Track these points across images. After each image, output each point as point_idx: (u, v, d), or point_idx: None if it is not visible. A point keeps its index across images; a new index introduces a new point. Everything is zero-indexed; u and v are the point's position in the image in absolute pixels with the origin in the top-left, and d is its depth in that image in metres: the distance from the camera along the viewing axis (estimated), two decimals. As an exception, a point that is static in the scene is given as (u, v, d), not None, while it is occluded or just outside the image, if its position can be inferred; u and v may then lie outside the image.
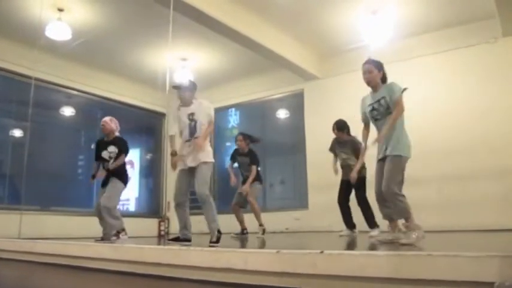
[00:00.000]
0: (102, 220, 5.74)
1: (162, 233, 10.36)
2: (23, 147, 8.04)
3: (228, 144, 11.34)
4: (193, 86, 4.81)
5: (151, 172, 11.37)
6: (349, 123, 7.00)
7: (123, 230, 5.71)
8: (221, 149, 11.11)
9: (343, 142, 6.46)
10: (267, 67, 9.14)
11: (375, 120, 4.00)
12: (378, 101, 3.92)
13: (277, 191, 10.32)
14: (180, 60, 9.02)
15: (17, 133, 9.06)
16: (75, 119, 10.18)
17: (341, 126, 6.47)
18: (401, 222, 3.81)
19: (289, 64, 8.54)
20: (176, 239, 4.52)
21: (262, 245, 3.90)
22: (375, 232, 5.68)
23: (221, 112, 11.17)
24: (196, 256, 2.68)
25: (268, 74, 9.64)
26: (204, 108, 4.59)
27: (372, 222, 5.99)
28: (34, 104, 7.64)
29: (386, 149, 3.81)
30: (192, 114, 4.55)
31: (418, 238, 3.52)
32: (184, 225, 4.57)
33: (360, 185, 6.15)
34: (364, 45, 8.25)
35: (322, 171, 8.80)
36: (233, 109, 11.04)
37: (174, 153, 4.50)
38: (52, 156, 9.51)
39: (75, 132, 10.56)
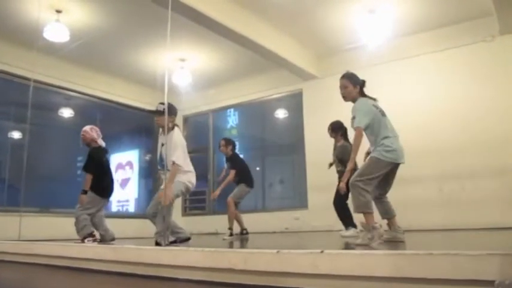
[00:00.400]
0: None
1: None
2: (22, 149, 8.02)
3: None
4: (170, 111, 4.67)
5: (151, 173, 11.36)
6: (347, 123, 7.00)
7: (90, 235, 5.61)
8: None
9: (334, 146, 6.46)
10: (265, 67, 9.13)
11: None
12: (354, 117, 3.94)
13: (277, 190, 10.33)
14: (178, 61, 9.01)
15: (16, 135, 9.06)
16: (74, 120, 10.16)
17: (335, 128, 6.43)
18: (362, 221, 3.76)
19: (288, 64, 8.54)
20: (174, 242, 4.56)
21: (262, 245, 3.89)
22: (347, 232, 5.78)
23: (220, 112, 11.19)
24: (196, 256, 2.68)
25: (266, 74, 9.64)
26: (171, 141, 4.55)
27: (347, 223, 6.01)
28: (33, 106, 7.63)
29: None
30: (162, 145, 4.58)
31: (374, 239, 3.50)
32: (172, 229, 4.59)
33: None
34: (362, 44, 8.26)
35: (322, 170, 8.77)
36: (232, 109, 11.05)
37: None
38: (51, 158, 9.51)
39: (74, 133, 10.54)
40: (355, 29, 7.78)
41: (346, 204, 5.98)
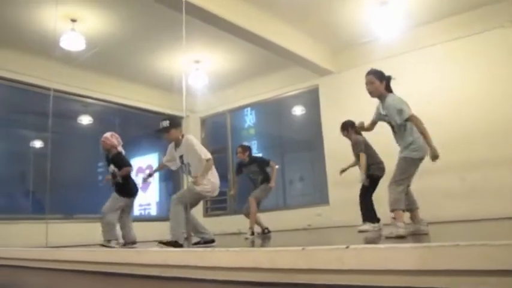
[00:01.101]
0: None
1: (185, 235, 10.42)
2: (44, 157, 8.16)
3: (245, 144, 11.37)
4: (172, 124, 4.78)
5: (171, 176, 11.44)
6: (364, 117, 6.94)
7: (114, 239, 5.78)
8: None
9: (352, 144, 6.45)
10: (280, 65, 9.13)
11: (392, 130, 4.06)
12: (386, 115, 4.01)
13: (297, 187, 10.31)
14: (193, 63, 9.06)
15: (38, 144, 9.21)
16: (93, 127, 10.30)
17: (346, 126, 6.47)
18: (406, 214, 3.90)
19: (303, 60, 8.52)
20: (198, 243, 4.69)
21: (286, 242, 3.90)
22: (366, 226, 5.81)
23: (237, 112, 11.21)
24: (221, 257, 2.69)
25: (282, 71, 9.63)
26: (192, 148, 4.64)
27: (367, 217, 6.02)
28: (53, 115, 7.76)
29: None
30: (182, 156, 4.70)
31: (399, 233, 3.60)
32: (196, 229, 4.73)
33: (370, 183, 6.08)
34: (376, 37, 8.20)
35: (342, 165, 8.74)
36: (249, 108, 11.06)
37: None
38: (72, 165, 9.65)
39: (93, 140, 10.68)
40: (368, 22, 7.73)
41: (371, 199, 6.02)
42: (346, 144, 8.68)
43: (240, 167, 7.19)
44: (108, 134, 6.11)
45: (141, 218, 10.84)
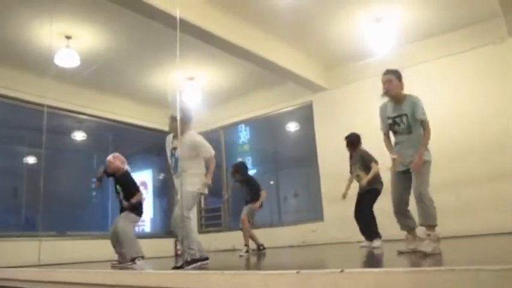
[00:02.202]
0: (116, 247, 5.82)
1: (179, 252, 10.35)
2: (37, 173, 8.12)
3: (239, 160, 11.35)
4: (183, 117, 4.75)
5: (165, 192, 11.40)
6: (360, 132, 6.99)
7: (140, 256, 5.68)
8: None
9: (355, 157, 6.48)
10: (274, 81, 9.17)
11: (394, 133, 3.98)
12: (400, 116, 3.88)
13: (292, 204, 10.29)
14: (187, 80, 9.08)
15: (31, 160, 9.17)
16: (87, 143, 10.28)
17: (354, 141, 6.50)
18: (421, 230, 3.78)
19: (296, 77, 8.57)
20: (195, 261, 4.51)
21: (281, 262, 3.88)
22: (378, 243, 5.80)
23: (231, 128, 11.22)
24: (216, 279, 2.68)
25: (275, 87, 9.66)
26: (186, 142, 4.58)
27: (372, 234, 6.00)
28: (47, 131, 7.73)
29: (410, 161, 3.81)
30: (175, 148, 4.63)
31: (436, 248, 3.51)
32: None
33: (372, 197, 6.12)
34: (369, 53, 8.26)
35: (336, 182, 8.75)
36: (243, 125, 11.08)
37: None
38: (65, 181, 9.60)
39: (87, 156, 10.66)
40: (362, 38, 7.78)
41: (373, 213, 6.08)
42: (340, 160, 8.69)
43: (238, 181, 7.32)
44: (110, 157, 6.10)
45: (136, 235, 10.74)
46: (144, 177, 11.47)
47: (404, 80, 8.10)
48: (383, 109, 4.08)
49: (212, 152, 4.65)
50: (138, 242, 5.83)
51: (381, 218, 5.98)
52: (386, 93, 3.93)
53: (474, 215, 7.00)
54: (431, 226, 3.59)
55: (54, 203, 8.96)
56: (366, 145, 7.71)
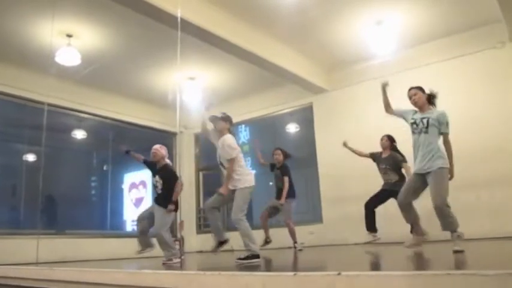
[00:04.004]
0: (141, 235, 5.94)
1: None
2: (36, 171, 8.13)
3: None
4: (221, 118, 4.90)
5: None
6: (359, 134, 7.00)
7: (175, 255, 5.76)
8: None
9: (380, 158, 6.73)
10: (275, 82, 9.17)
11: (412, 133, 4.38)
12: (421, 118, 4.35)
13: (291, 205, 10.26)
14: (188, 80, 9.08)
15: (31, 158, 9.16)
16: (87, 141, 10.28)
17: (392, 139, 6.74)
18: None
19: (297, 78, 8.57)
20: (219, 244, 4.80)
21: (280, 265, 3.88)
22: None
23: (231, 129, 11.20)
24: (213, 280, 2.67)
25: (276, 89, 9.67)
26: (224, 146, 4.70)
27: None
28: (47, 129, 7.73)
29: (427, 163, 4.16)
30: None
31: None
32: (217, 229, 4.81)
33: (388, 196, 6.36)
34: (370, 56, 8.27)
35: (335, 183, 8.78)
36: (243, 125, 11.07)
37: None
38: (65, 179, 9.61)
39: (87, 154, 10.67)
40: (363, 41, 7.80)
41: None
42: (339, 162, 8.72)
43: (272, 167, 7.34)
44: (157, 146, 6.23)
45: (134, 234, 10.73)
46: (143, 177, 11.46)
47: (405, 83, 8.15)
48: (411, 111, 4.55)
49: (232, 155, 4.66)
50: (174, 244, 5.92)
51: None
52: (415, 104, 4.48)
53: (473, 219, 6.98)
54: (454, 230, 3.97)
55: (53, 201, 8.98)
56: (366, 147, 7.72)
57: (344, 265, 3.73)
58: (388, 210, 6.66)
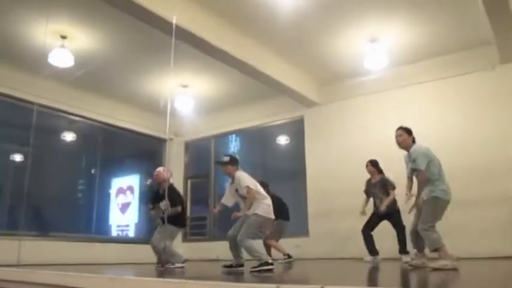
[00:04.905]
0: (156, 251, 6.24)
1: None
2: (24, 171, 8.04)
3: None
4: (232, 161, 5.04)
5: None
6: (349, 149, 7.00)
7: (183, 262, 6.15)
8: (221, 175, 11.10)
9: (371, 183, 6.98)
10: (267, 94, 9.18)
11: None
12: (408, 163, 4.78)
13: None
14: (180, 87, 9.07)
15: (18, 158, 9.07)
16: (76, 144, 10.20)
17: (375, 164, 7.01)
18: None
19: (289, 90, 8.59)
20: (230, 266, 4.88)
21: (264, 277, 3.85)
22: (407, 258, 6.08)
23: (221, 138, 11.21)
24: (195, 289, 2.65)
25: (268, 100, 9.68)
26: (239, 182, 4.88)
27: (404, 248, 6.41)
28: (35, 129, 7.66)
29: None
30: (237, 190, 4.93)
31: (447, 265, 4.11)
32: (238, 254, 4.89)
33: (397, 215, 6.56)
34: (363, 72, 8.33)
35: (323, 198, 8.78)
36: (233, 135, 11.07)
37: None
38: (52, 181, 9.51)
39: (75, 156, 10.58)
40: (356, 57, 7.85)
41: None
42: (328, 176, 8.76)
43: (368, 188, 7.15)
44: (161, 169, 6.54)
45: (119, 240, 10.66)
46: (131, 182, 11.40)
47: (395, 100, 8.28)
48: (405, 157, 4.92)
49: (247, 181, 4.86)
50: (178, 252, 6.37)
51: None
52: (399, 145, 4.84)
53: (461, 238, 7.00)
54: (437, 249, 4.29)
55: (38, 202, 8.86)
56: (355, 162, 7.76)
57: (328, 279, 3.71)
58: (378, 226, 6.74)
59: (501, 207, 6.92)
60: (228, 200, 5.09)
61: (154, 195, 6.54)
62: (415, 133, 4.92)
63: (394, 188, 6.58)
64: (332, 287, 2.18)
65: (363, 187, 7.07)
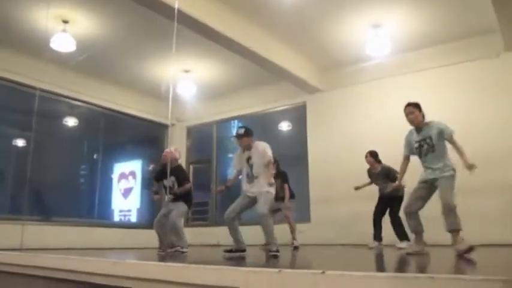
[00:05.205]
0: (159, 234, 6.20)
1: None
2: (26, 156, 8.07)
3: (230, 155, 11.34)
4: (248, 133, 4.95)
5: (152, 183, 11.36)
6: (351, 136, 6.98)
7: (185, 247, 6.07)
8: (223, 161, 11.13)
9: (373, 173, 6.99)
10: (269, 80, 9.15)
11: (419, 155, 4.51)
12: (424, 139, 4.47)
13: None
14: (183, 72, 9.05)
15: (20, 143, 9.09)
16: (78, 129, 10.21)
17: (374, 155, 6.99)
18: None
19: (292, 77, 8.56)
20: (230, 251, 4.82)
21: (266, 262, 3.88)
22: (403, 244, 6.15)
23: (224, 124, 11.21)
24: (197, 274, 2.67)
25: (270, 86, 9.65)
26: (259, 151, 4.82)
27: (402, 235, 6.42)
28: (37, 114, 7.65)
29: (435, 173, 4.36)
30: (250, 158, 4.85)
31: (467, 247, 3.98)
32: (237, 238, 4.86)
33: (397, 202, 6.53)
34: (365, 59, 8.29)
35: (325, 184, 8.80)
36: (236, 121, 11.06)
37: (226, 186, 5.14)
38: (54, 166, 9.53)
39: (77, 142, 10.60)
40: (359, 43, 7.81)
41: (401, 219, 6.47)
42: (330, 162, 8.77)
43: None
44: (172, 148, 6.59)
45: (121, 225, 10.72)
46: (133, 167, 11.43)
47: (399, 87, 8.22)
48: (410, 135, 4.67)
49: (271, 156, 4.81)
50: (185, 235, 6.24)
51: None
52: (411, 123, 4.58)
53: (473, 225, 7.01)
54: (456, 231, 4.09)
55: (41, 187, 8.90)
56: (356, 148, 7.75)
57: (329, 264, 3.75)
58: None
59: (502, 196, 6.93)
60: (236, 166, 5.08)
61: (159, 173, 6.50)
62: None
63: (397, 173, 6.54)
64: (333, 272, 2.20)
65: (365, 174, 7.09)
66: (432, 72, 8.00)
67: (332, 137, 8.93)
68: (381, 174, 6.85)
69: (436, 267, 3.43)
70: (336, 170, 8.54)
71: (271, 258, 4.31)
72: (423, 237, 4.47)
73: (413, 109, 4.59)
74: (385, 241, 6.75)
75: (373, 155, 6.96)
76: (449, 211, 4.07)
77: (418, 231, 4.43)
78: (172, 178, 6.18)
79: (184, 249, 5.92)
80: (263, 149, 4.80)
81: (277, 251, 4.49)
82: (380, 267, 3.58)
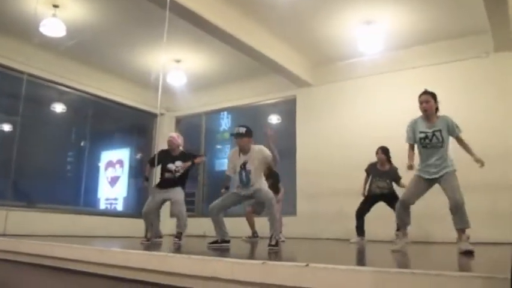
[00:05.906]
0: (148, 223, 6.23)
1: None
2: (12, 141, 8.00)
3: (218, 147, 11.34)
4: (249, 133, 4.92)
5: (141, 172, 11.32)
6: (339, 132, 6.96)
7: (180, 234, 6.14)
8: (211, 152, 11.12)
9: (380, 172, 6.77)
10: (260, 72, 9.14)
11: (423, 147, 4.34)
12: (433, 132, 4.30)
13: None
14: (174, 62, 9.00)
15: (6, 128, 8.98)
16: (66, 115, 10.12)
17: (387, 152, 6.74)
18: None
19: (283, 70, 8.56)
20: (216, 242, 4.85)
21: (250, 254, 3.91)
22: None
23: (213, 115, 11.19)
24: (182, 263, 2.68)
25: (261, 78, 9.64)
26: (258, 157, 4.79)
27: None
28: (25, 99, 7.59)
29: (439, 170, 4.28)
30: (245, 163, 4.79)
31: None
32: (222, 229, 4.90)
33: (394, 200, 6.40)
34: (357, 55, 8.32)
35: (312, 178, 8.84)
36: (225, 112, 11.05)
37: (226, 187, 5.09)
38: (41, 152, 9.46)
39: (65, 128, 10.51)
40: (351, 39, 7.83)
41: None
42: (318, 157, 8.80)
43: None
44: (174, 134, 6.62)
45: (107, 213, 10.68)
46: (120, 155, 11.37)
47: (387, 85, 8.24)
48: (414, 123, 4.49)
49: (271, 155, 4.80)
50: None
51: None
52: (424, 112, 4.40)
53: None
54: (464, 229, 4.05)
55: (26, 173, 8.83)
56: (345, 145, 7.79)
57: (313, 257, 3.78)
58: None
59: (489, 194, 6.99)
60: (231, 171, 5.00)
61: (163, 157, 6.38)
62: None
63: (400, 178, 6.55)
64: (317, 265, 2.23)
65: (351, 170, 7.11)
66: (422, 70, 8.04)
67: (320, 132, 8.97)
68: (389, 173, 6.69)
69: (419, 263, 3.48)
70: (323, 165, 8.58)
71: (274, 247, 4.38)
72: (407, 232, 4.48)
73: (430, 98, 4.42)
74: (368, 236, 6.80)
75: (384, 152, 6.71)
76: (459, 208, 4.01)
77: (407, 223, 4.41)
78: (178, 162, 6.19)
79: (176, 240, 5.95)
80: (261, 152, 4.79)
81: (277, 244, 4.52)
82: (361, 261, 3.62)
